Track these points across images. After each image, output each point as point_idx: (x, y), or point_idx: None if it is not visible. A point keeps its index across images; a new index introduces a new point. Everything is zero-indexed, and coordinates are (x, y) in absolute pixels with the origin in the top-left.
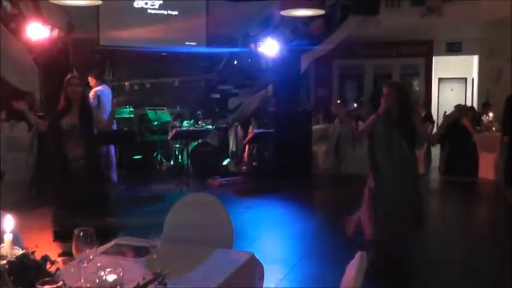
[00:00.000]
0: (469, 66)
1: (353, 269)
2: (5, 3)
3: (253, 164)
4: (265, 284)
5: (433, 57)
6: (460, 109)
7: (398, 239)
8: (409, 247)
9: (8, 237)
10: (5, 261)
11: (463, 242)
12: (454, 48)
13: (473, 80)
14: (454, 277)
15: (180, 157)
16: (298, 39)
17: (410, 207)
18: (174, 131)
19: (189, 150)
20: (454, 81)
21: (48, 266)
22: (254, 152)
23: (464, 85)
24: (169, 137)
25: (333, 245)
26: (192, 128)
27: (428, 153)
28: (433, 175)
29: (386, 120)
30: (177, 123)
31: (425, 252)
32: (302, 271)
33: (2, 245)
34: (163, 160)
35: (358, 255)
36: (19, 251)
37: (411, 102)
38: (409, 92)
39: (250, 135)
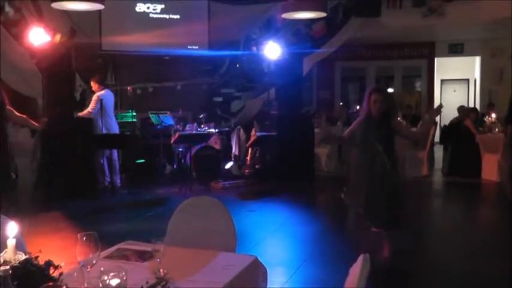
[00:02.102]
0: (471, 67)
1: (356, 271)
2: (7, 9)
3: (256, 167)
4: (269, 287)
5: (435, 59)
6: (463, 110)
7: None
8: (391, 248)
9: (11, 242)
10: (8, 267)
11: (466, 244)
12: (456, 50)
13: (475, 80)
14: (455, 279)
15: (183, 161)
16: (300, 41)
17: (385, 210)
18: (176, 135)
19: (192, 153)
20: (457, 83)
21: (51, 270)
22: (257, 155)
23: (467, 86)
24: (172, 141)
25: (336, 248)
26: (194, 132)
27: (431, 155)
28: (435, 177)
29: (366, 125)
30: (179, 127)
31: (427, 254)
32: (305, 274)
33: (5, 250)
34: (166, 164)
35: (361, 257)
36: (22, 256)
37: (395, 108)
38: (393, 98)
39: (252, 138)
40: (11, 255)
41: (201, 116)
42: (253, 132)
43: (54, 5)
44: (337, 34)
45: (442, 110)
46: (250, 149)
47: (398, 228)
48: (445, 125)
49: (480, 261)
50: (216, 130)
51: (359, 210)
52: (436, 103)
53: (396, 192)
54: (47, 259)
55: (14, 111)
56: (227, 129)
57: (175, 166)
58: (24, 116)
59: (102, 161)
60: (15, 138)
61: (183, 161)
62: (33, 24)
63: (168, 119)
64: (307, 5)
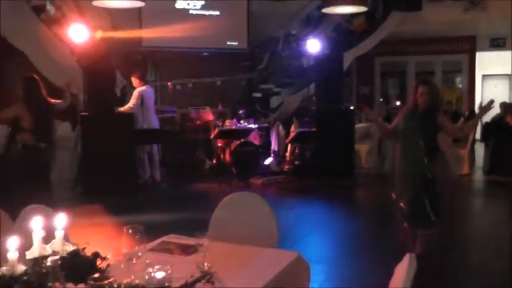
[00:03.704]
0: None
1: (402, 270)
2: (48, 7)
3: (296, 163)
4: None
5: (476, 53)
6: (505, 106)
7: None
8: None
9: (59, 233)
10: (57, 257)
11: (506, 245)
12: (497, 44)
13: None
14: (493, 281)
15: (222, 156)
16: (340, 36)
17: (424, 207)
18: (216, 130)
19: (231, 149)
20: (498, 78)
21: (98, 262)
22: (296, 151)
23: (509, 82)
24: (211, 136)
25: (376, 246)
26: (234, 127)
27: (472, 153)
28: (476, 175)
29: (411, 118)
30: (219, 123)
31: (467, 253)
32: (345, 271)
33: (53, 241)
34: (206, 159)
35: (407, 257)
36: (70, 247)
37: (441, 102)
38: (439, 92)
39: (292, 134)
40: (60, 246)
41: (240, 112)
42: (292, 128)
43: (95, 2)
44: (377, 29)
45: (492, 106)
46: (289, 145)
47: (437, 227)
48: (486, 122)
49: None
50: (256, 126)
51: (403, 208)
52: (477, 99)
53: (435, 192)
54: (93, 251)
55: (52, 100)
56: (266, 125)
57: (214, 161)
58: (60, 101)
59: (142, 156)
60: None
61: (222, 156)
62: (74, 21)
63: (207, 115)
64: None
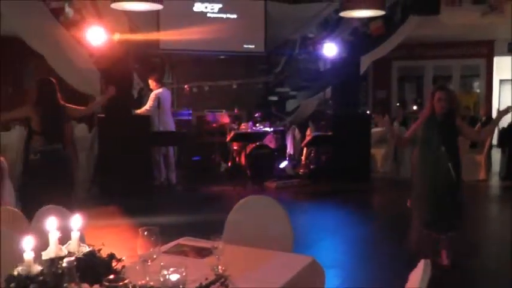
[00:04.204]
0: None
1: (417, 276)
2: (67, 9)
3: (311, 167)
4: None
5: (494, 58)
6: None
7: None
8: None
9: (75, 235)
10: (73, 258)
11: None
12: None
13: None
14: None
15: (237, 159)
16: (357, 40)
17: (447, 211)
18: (232, 133)
19: (247, 152)
20: None
21: (114, 263)
22: (312, 155)
23: None
24: (227, 139)
25: (391, 250)
26: (249, 130)
27: (488, 158)
28: (493, 181)
29: (430, 124)
30: (235, 126)
31: (483, 259)
32: (360, 276)
33: (69, 242)
34: (221, 162)
35: (422, 263)
36: (86, 248)
37: (458, 107)
38: (456, 97)
39: (308, 138)
40: (75, 247)
41: (256, 115)
42: (308, 131)
43: (114, 5)
44: (395, 33)
45: (510, 111)
46: (305, 149)
47: (456, 231)
48: (503, 128)
49: None
50: (271, 129)
51: (421, 213)
52: (495, 104)
53: (458, 195)
54: (108, 252)
55: (71, 105)
56: (282, 128)
57: (230, 164)
58: (83, 108)
59: (158, 158)
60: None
61: (237, 159)
62: (92, 24)
63: (223, 117)
64: (365, 3)
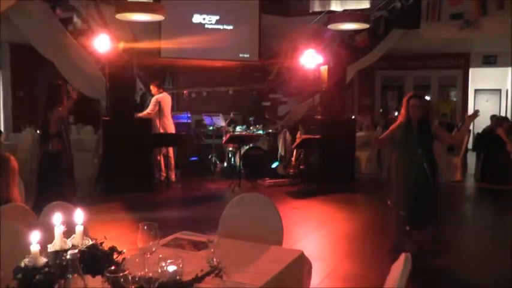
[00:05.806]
0: (503, 78)
1: (397, 270)
2: (75, 20)
3: (300, 167)
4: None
5: (470, 69)
6: (495, 119)
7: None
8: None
9: (79, 228)
10: (76, 251)
11: (496, 250)
12: (489, 61)
13: (507, 91)
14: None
15: (232, 159)
16: (344, 51)
17: (423, 209)
18: (227, 136)
19: (241, 153)
20: (489, 93)
21: (115, 256)
22: (301, 156)
23: (499, 96)
24: (223, 141)
25: (374, 246)
26: (244, 133)
27: (464, 161)
28: (468, 182)
29: (406, 129)
30: (230, 129)
31: (458, 260)
32: (345, 270)
33: (74, 235)
34: (218, 162)
35: (403, 256)
36: (89, 242)
37: (432, 113)
38: (430, 103)
39: (298, 141)
40: (79, 240)
41: (250, 119)
42: (298, 135)
43: (119, 16)
44: (378, 45)
45: (478, 115)
46: (295, 151)
47: (432, 226)
48: (478, 133)
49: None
50: (264, 132)
51: (400, 212)
52: (470, 112)
53: (434, 194)
54: (110, 245)
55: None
56: (274, 131)
57: (225, 164)
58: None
59: (158, 158)
60: (78, 135)
61: (232, 159)
62: (99, 33)
63: (220, 121)
64: (351, 17)
